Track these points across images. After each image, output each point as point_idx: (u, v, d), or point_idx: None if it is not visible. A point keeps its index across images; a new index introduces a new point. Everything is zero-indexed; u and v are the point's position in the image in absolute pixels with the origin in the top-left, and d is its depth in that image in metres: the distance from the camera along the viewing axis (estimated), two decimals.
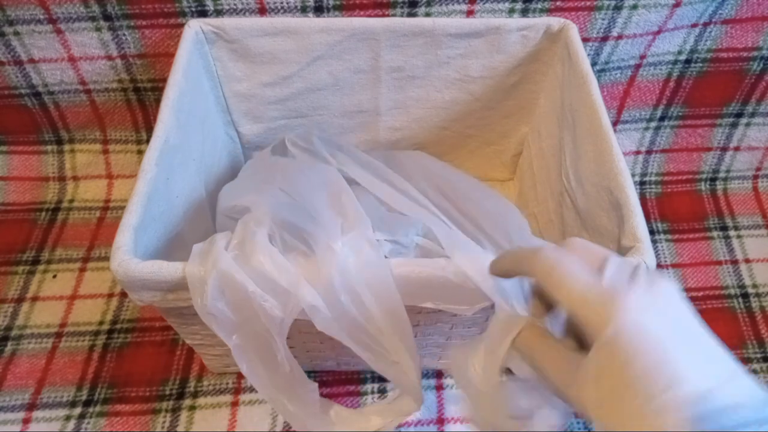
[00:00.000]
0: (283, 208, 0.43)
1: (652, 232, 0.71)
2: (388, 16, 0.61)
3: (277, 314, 0.37)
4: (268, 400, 0.40)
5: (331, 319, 0.38)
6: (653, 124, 0.73)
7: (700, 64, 0.67)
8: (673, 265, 0.68)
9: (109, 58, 0.63)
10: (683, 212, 0.73)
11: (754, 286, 0.66)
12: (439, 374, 0.59)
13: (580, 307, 0.26)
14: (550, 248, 0.29)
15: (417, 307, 0.45)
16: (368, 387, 0.58)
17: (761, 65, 0.68)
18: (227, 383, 0.57)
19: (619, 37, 0.63)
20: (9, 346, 0.60)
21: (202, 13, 0.59)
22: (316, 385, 0.41)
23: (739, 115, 0.72)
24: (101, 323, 0.61)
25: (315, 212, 0.42)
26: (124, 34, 0.61)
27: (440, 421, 0.56)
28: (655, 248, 0.69)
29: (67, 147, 0.72)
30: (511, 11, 0.61)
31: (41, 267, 0.66)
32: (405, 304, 0.40)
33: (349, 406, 0.57)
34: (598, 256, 0.28)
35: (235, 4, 0.58)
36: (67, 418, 0.55)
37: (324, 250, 0.38)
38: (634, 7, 0.60)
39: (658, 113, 0.72)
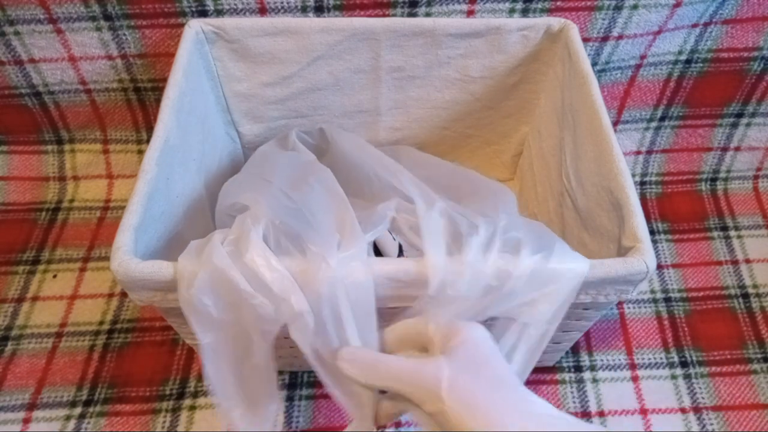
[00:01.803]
0: (282, 210, 0.42)
1: (652, 232, 0.71)
2: (388, 16, 0.61)
3: (268, 313, 0.37)
4: (219, 405, 0.40)
5: (311, 331, 0.37)
6: (653, 124, 0.73)
7: (701, 64, 0.67)
8: (674, 265, 0.68)
9: (110, 57, 0.63)
10: (683, 212, 0.73)
11: (755, 286, 0.66)
12: None
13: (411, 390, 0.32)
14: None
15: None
16: None
17: (762, 65, 0.67)
18: None
19: (620, 37, 0.63)
20: (9, 346, 0.60)
21: (203, 13, 0.59)
22: (279, 399, 0.41)
23: (739, 116, 0.72)
24: (101, 323, 0.61)
25: (315, 222, 0.41)
26: (125, 34, 0.61)
27: None
28: (656, 248, 0.69)
29: (67, 147, 0.72)
30: (512, 11, 0.61)
31: (41, 267, 0.66)
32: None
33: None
34: (420, 331, 0.35)
35: (235, 4, 0.58)
36: (67, 418, 0.55)
37: (319, 262, 0.38)
38: (635, 7, 0.60)
39: (659, 113, 0.72)
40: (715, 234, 0.71)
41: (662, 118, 0.73)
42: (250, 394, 0.40)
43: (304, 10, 0.60)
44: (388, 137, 0.68)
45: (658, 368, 0.60)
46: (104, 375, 0.58)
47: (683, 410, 0.57)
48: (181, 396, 0.57)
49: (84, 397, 0.57)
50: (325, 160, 0.58)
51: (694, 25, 0.64)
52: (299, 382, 0.58)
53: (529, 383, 0.43)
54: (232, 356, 0.39)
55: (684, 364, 0.60)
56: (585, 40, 0.62)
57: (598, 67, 0.65)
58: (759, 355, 0.61)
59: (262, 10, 0.59)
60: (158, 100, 0.60)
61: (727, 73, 0.68)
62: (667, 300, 0.65)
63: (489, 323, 0.37)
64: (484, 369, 0.32)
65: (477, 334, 0.33)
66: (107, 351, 0.60)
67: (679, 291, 0.66)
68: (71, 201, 0.72)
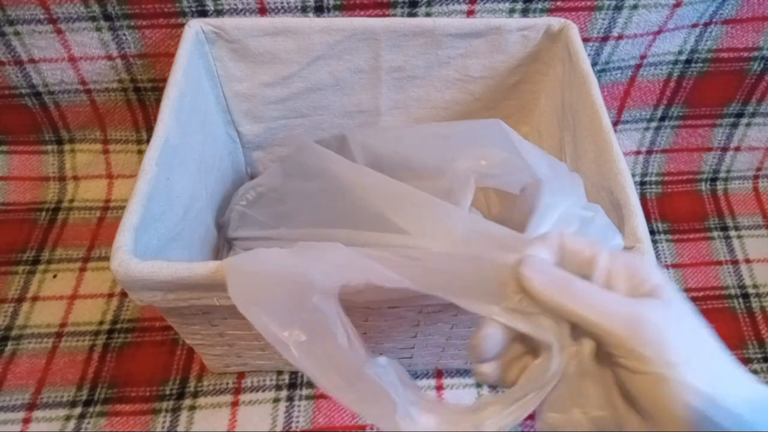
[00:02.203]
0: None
1: (652, 232, 0.71)
2: (388, 16, 0.61)
3: (329, 284, 0.33)
4: (357, 412, 0.33)
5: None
6: (653, 124, 0.73)
7: (701, 64, 0.67)
8: (674, 265, 0.68)
9: (110, 58, 0.63)
10: (683, 212, 0.73)
11: (755, 286, 0.66)
12: (439, 374, 0.59)
13: (605, 332, 0.24)
14: (538, 266, 0.27)
15: (417, 306, 0.45)
16: None
17: (762, 65, 0.67)
18: (227, 383, 0.57)
19: (620, 37, 0.63)
20: (9, 346, 0.60)
21: (203, 13, 0.59)
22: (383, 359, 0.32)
23: (739, 115, 0.72)
24: (101, 323, 0.61)
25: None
26: (125, 34, 0.61)
27: None
28: (656, 248, 0.69)
29: (67, 147, 0.72)
30: (512, 11, 0.61)
31: (41, 267, 0.66)
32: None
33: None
34: (587, 255, 0.27)
35: (235, 4, 0.58)
36: (67, 418, 0.55)
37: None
38: (635, 7, 0.60)
39: (659, 113, 0.72)
40: (715, 234, 0.71)
41: (662, 118, 0.73)
42: (362, 384, 0.33)
43: (304, 10, 0.60)
44: None
45: None
46: (104, 375, 0.58)
47: None
48: (181, 396, 0.57)
49: (84, 397, 0.57)
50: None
51: (694, 25, 0.64)
52: (299, 382, 0.58)
53: None
54: (321, 350, 0.33)
55: None
56: (585, 40, 0.62)
57: (598, 67, 0.65)
58: (759, 355, 0.61)
59: (262, 10, 0.59)
60: (158, 100, 0.60)
61: (727, 73, 0.68)
62: None
63: None
64: (702, 329, 0.25)
65: (669, 281, 0.26)
66: (107, 351, 0.60)
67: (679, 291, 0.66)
68: (71, 201, 0.72)
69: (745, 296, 0.66)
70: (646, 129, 0.74)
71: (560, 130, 0.58)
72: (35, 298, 0.63)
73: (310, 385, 0.58)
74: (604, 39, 0.63)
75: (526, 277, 0.26)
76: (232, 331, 0.49)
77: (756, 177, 0.76)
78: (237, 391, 0.57)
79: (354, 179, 0.51)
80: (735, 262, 0.68)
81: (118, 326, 0.61)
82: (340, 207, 0.51)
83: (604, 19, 0.61)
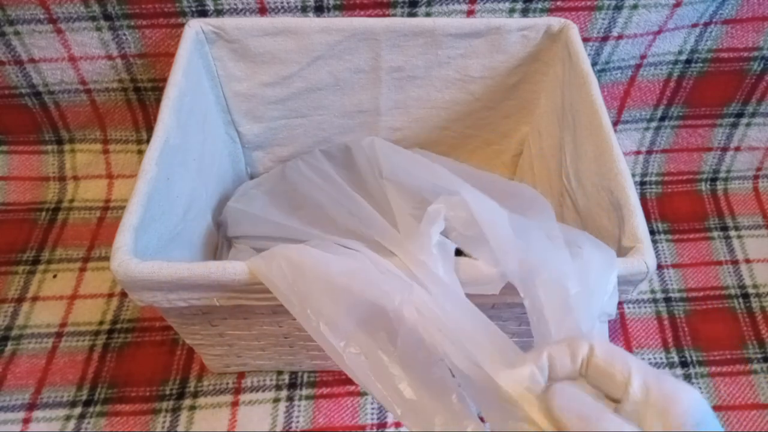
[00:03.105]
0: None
1: (652, 232, 0.71)
2: (388, 16, 0.61)
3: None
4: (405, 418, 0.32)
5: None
6: (654, 124, 0.73)
7: (701, 64, 0.67)
8: (674, 266, 0.68)
9: (110, 57, 0.63)
10: (684, 212, 0.73)
11: (755, 286, 0.66)
12: None
13: None
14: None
15: None
16: None
17: (762, 65, 0.67)
18: (227, 383, 0.57)
19: (620, 37, 0.63)
20: (9, 346, 0.60)
21: (203, 13, 0.59)
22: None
23: (739, 115, 0.72)
24: (101, 323, 0.61)
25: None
26: (125, 34, 0.61)
27: None
28: (656, 248, 0.69)
29: (67, 147, 0.72)
30: (512, 11, 0.61)
31: (41, 267, 0.66)
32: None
33: (349, 406, 0.57)
34: (618, 379, 0.26)
35: (235, 4, 0.58)
36: (67, 418, 0.55)
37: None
38: (635, 7, 0.60)
39: (659, 113, 0.72)
40: (715, 234, 0.71)
41: (662, 118, 0.73)
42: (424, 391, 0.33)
43: (304, 10, 0.60)
44: (389, 137, 0.68)
45: (658, 368, 0.60)
46: (104, 375, 0.58)
47: None
48: (181, 396, 0.57)
49: (84, 397, 0.57)
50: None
51: (694, 25, 0.64)
52: (299, 383, 0.58)
53: None
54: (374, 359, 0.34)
55: (684, 364, 0.60)
56: (585, 40, 0.62)
57: (598, 67, 0.65)
58: (759, 355, 0.61)
59: (262, 10, 0.59)
60: (158, 100, 0.60)
61: (727, 73, 0.68)
62: (667, 300, 0.65)
63: None
64: None
65: (702, 405, 0.25)
66: (107, 351, 0.60)
67: (679, 291, 0.66)
68: (71, 201, 0.72)
69: (745, 296, 0.66)
70: (646, 129, 0.74)
71: (560, 130, 0.58)
72: (35, 298, 0.63)
73: (310, 385, 0.58)
74: (604, 39, 0.63)
75: (559, 409, 0.25)
76: (232, 331, 0.49)
77: (756, 177, 0.76)
78: (237, 391, 0.57)
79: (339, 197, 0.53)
80: (735, 262, 0.68)
81: (118, 326, 0.61)
82: (328, 216, 0.53)
83: (604, 19, 0.61)
